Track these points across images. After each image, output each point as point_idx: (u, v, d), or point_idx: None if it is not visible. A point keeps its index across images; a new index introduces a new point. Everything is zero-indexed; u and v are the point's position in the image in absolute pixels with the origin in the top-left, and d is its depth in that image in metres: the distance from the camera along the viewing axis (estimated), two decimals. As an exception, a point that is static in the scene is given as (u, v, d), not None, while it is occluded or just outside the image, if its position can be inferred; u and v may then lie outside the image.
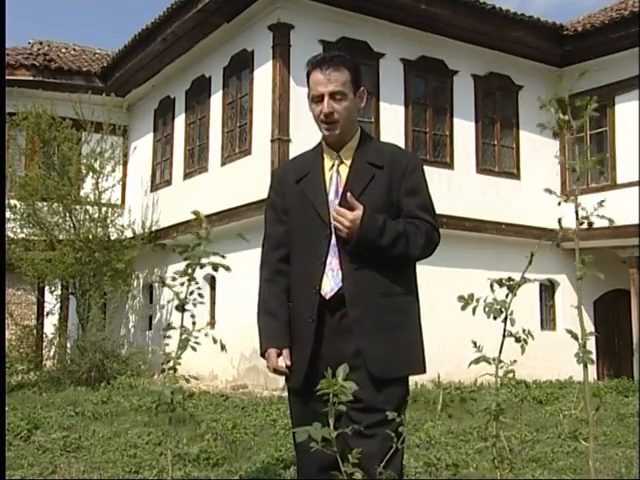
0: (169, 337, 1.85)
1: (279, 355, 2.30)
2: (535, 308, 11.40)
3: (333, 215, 2.22)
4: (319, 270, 2.26)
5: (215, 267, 1.85)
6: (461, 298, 1.72)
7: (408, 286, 2.33)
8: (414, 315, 2.34)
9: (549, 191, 1.68)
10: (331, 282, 2.26)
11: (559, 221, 1.60)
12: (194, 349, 1.81)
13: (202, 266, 1.85)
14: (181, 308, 1.83)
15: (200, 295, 1.88)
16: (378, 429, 2.10)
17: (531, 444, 5.40)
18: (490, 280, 1.70)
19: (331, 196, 2.32)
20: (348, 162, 2.35)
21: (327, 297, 2.25)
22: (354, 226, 2.18)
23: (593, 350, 10.93)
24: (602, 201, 1.60)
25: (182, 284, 1.83)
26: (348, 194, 2.21)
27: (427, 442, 5.32)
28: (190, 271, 1.81)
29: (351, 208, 2.20)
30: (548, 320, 11.81)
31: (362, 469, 1.69)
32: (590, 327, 10.52)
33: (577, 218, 1.60)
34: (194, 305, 1.88)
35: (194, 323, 1.84)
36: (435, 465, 4.57)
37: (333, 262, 2.27)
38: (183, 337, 1.81)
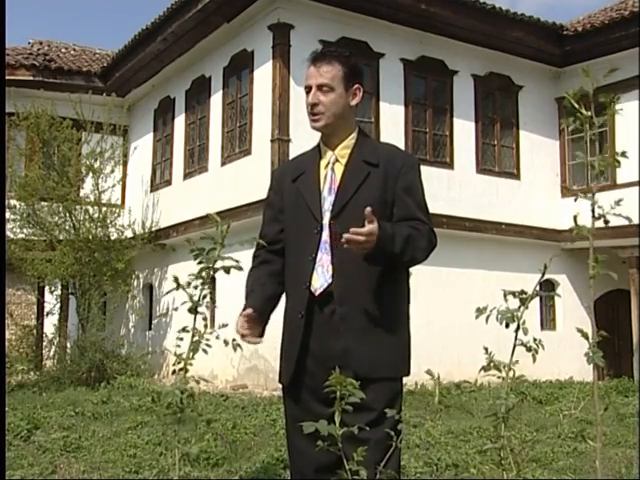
0: (181, 339, 1.84)
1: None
2: (535, 308, 11.38)
3: (346, 236, 2.08)
4: (309, 266, 2.26)
5: (227, 270, 1.85)
6: (477, 310, 1.70)
7: (399, 288, 2.31)
8: (403, 318, 2.31)
9: (566, 188, 1.66)
10: (321, 278, 2.25)
11: (574, 219, 1.57)
12: (205, 352, 1.80)
13: (216, 270, 1.85)
14: (194, 311, 1.83)
15: (212, 300, 1.88)
16: (371, 432, 2.02)
17: (531, 444, 5.39)
18: (503, 290, 1.69)
19: (325, 193, 2.32)
20: (344, 161, 2.34)
21: (316, 293, 2.24)
22: (371, 240, 2.08)
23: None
24: (619, 200, 1.56)
25: (196, 287, 1.83)
26: (368, 209, 2.08)
27: (427, 442, 5.32)
28: (205, 275, 1.81)
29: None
30: (548, 320, 11.80)
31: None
32: (590, 327, 10.48)
33: (593, 216, 1.56)
34: (207, 308, 1.88)
35: (206, 326, 1.85)
36: (435, 465, 4.57)
37: (323, 258, 2.26)
38: (195, 339, 1.81)
